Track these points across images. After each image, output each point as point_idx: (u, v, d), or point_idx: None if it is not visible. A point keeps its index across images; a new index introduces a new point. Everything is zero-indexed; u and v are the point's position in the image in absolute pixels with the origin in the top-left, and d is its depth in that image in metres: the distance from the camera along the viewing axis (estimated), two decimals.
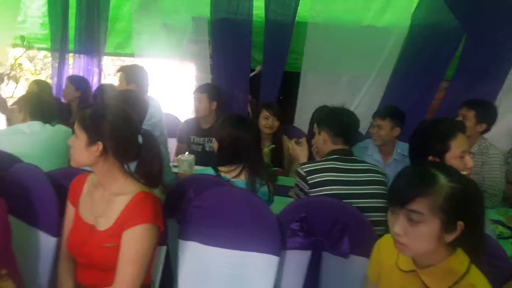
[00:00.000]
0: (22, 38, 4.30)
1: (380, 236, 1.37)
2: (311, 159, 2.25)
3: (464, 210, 1.05)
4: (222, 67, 3.77)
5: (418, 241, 1.07)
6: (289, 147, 2.46)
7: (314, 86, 3.69)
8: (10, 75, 4.05)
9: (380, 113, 2.72)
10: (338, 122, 1.99)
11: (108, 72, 4.70)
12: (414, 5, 3.43)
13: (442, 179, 1.06)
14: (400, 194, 1.09)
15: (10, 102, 3.46)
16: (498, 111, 2.63)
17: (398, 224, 1.08)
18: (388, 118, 2.66)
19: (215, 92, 3.12)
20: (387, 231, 1.18)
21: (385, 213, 1.15)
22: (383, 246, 1.32)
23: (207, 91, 3.08)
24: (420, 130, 1.73)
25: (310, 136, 2.64)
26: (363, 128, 3.14)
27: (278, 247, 1.69)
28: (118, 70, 2.92)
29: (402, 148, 2.73)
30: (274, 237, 1.68)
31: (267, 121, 3.05)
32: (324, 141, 2.02)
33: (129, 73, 2.90)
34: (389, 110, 2.72)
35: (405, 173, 1.13)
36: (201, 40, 3.90)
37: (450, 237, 1.07)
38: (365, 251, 1.45)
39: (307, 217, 1.69)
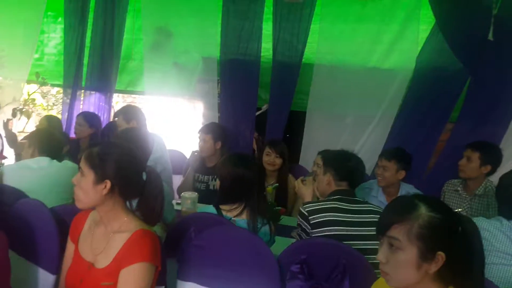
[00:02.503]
0: (37, 74, 4.44)
1: None
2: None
3: (443, 241, 1.06)
4: (230, 106, 3.87)
5: (398, 269, 1.08)
6: (295, 185, 2.46)
7: (319, 125, 3.75)
8: (23, 110, 4.15)
9: (386, 154, 2.72)
10: (345, 167, 2.01)
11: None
12: (419, 48, 3.51)
13: (422, 208, 1.08)
14: (380, 221, 1.13)
15: (21, 137, 3.54)
16: (503, 153, 2.64)
17: (381, 251, 1.11)
18: (394, 160, 2.65)
19: (220, 132, 3.15)
20: None
21: None
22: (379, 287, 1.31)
23: (212, 131, 3.11)
24: None
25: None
26: (367, 168, 3.12)
27: None
28: (115, 116, 3.00)
29: (407, 190, 2.71)
30: (274, 279, 1.66)
31: (269, 158, 3.08)
32: (328, 182, 2.04)
33: (127, 113, 3.02)
34: (396, 152, 2.71)
35: (390, 202, 1.17)
36: (210, 79, 4.03)
37: (431, 268, 1.06)
38: None
39: (308, 259, 1.67)
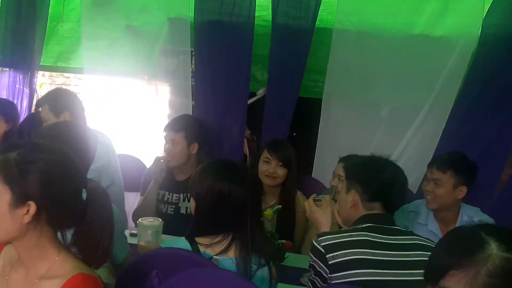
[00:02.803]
0: None
1: None
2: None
3: None
4: (209, 90, 3.85)
5: None
6: (305, 208, 2.47)
7: (340, 119, 3.76)
8: None
9: (439, 163, 2.73)
10: (377, 181, 2.04)
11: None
12: (487, 7, 3.51)
13: (492, 246, 1.08)
14: (431, 265, 1.14)
15: None
16: None
17: None
18: (450, 171, 2.67)
19: (196, 130, 3.17)
20: None
21: None
22: None
23: (184, 128, 3.12)
24: None
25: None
26: (412, 183, 3.15)
27: None
28: (38, 105, 2.98)
29: (470, 215, 2.74)
30: None
31: (267, 167, 3.09)
32: (354, 204, 2.06)
33: (55, 101, 3.03)
34: (453, 160, 2.72)
35: (445, 236, 1.17)
36: (180, 51, 4.03)
37: None
38: None
39: None
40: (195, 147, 3.14)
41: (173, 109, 4.01)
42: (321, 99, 3.79)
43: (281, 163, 3.09)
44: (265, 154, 3.13)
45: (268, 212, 2.82)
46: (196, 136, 3.14)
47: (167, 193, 3.15)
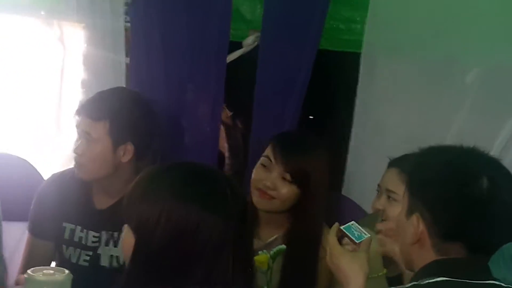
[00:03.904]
0: None
1: None
2: None
3: None
4: (157, 37, 3.69)
5: None
6: (325, 249, 2.52)
7: (392, 91, 3.65)
8: None
9: None
10: (461, 201, 1.85)
11: None
12: None
13: None
14: None
15: None
16: None
17: None
18: None
19: (133, 120, 2.95)
20: None
21: None
22: None
23: (110, 115, 2.90)
24: None
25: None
26: None
27: None
28: None
29: None
30: None
31: (264, 175, 2.89)
32: (419, 238, 1.89)
33: None
34: None
35: None
36: None
37: None
38: None
39: None
40: (127, 151, 2.90)
41: (92, 72, 3.79)
42: (359, 54, 3.69)
43: (288, 175, 2.84)
44: (267, 152, 2.94)
45: (262, 258, 2.75)
46: (130, 131, 2.91)
47: (78, 228, 2.96)
